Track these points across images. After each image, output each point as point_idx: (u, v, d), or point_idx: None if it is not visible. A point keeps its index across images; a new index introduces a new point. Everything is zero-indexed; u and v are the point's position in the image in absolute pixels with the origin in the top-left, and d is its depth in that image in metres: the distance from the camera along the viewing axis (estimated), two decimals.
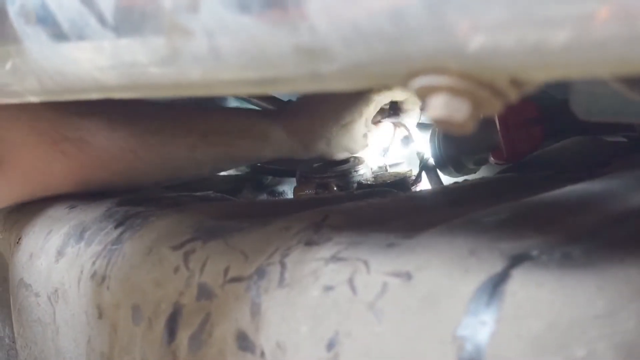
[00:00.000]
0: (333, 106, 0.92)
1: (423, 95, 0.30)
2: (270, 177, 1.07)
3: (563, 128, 0.86)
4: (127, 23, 0.38)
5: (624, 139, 0.99)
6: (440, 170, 0.88)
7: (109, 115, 0.80)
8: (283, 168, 1.07)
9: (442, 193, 0.69)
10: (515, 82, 0.28)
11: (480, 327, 0.38)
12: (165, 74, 0.39)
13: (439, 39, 0.27)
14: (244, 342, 0.50)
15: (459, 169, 0.87)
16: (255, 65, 0.34)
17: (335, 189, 0.90)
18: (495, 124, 0.82)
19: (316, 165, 0.95)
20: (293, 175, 0.98)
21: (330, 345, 0.44)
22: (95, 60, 0.41)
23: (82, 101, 0.48)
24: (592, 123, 0.93)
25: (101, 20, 0.38)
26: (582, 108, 0.43)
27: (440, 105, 0.29)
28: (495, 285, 0.39)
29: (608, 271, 0.38)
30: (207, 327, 0.53)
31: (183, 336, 0.54)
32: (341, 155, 0.95)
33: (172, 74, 0.38)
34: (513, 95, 0.29)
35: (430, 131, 0.90)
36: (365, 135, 0.95)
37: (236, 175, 1.08)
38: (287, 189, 1.05)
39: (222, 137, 0.86)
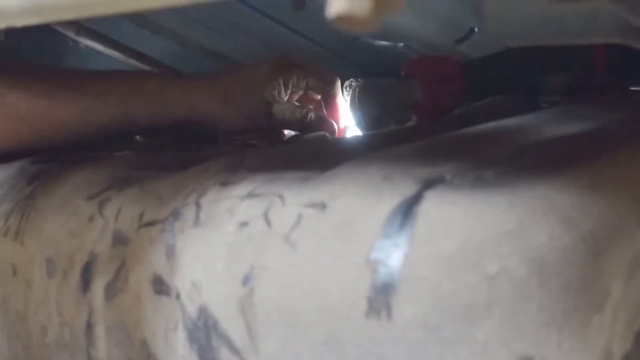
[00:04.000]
0: (237, 66, 0.89)
1: None
2: (194, 140, 1.05)
3: (484, 87, 0.86)
4: None
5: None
6: (361, 130, 0.87)
7: None
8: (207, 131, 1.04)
9: (359, 138, 0.68)
10: None
11: (394, 249, 0.38)
12: None
13: None
14: (159, 285, 0.49)
15: (380, 129, 0.86)
16: None
17: None
18: (416, 81, 0.82)
19: None
20: (217, 138, 0.96)
21: (246, 280, 0.43)
22: None
23: None
24: (513, 84, 0.94)
25: None
26: (494, 33, 0.43)
27: None
28: (409, 207, 0.38)
29: (520, 189, 0.38)
30: (122, 274, 0.52)
31: (98, 285, 0.53)
32: (245, 122, 0.90)
33: None
34: None
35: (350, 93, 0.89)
36: (269, 103, 0.89)
37: (160, 140, 1.06)
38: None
39: (116, 96, 0.82)
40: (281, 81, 0.89)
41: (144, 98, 0.84)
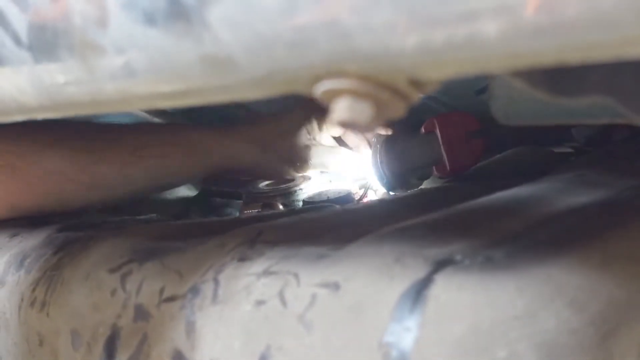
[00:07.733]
0: (272, 116, 0.92)
1: (328, 99, 0.30)
2: (218, 199, 1.07)
3: (505, 140, 0.87)
4: (40, 41, 0.38)
5: (570, 150, 1.00)
6: (384, 186, 0.88)
7: (36, 138, 0.78)
8: (230, 190, 1.06)
9: (377, 205, 0.69)
10: (415, 82, 0.29)
11: (405, 333, 0.38)
12: (81, 92, 0.38)
13: (335, 41, 0.27)
14: None
15: (402, 184, 0.87)
16: (166, 77, 0.34)
17: (280, 207, 0.90)
18: (437, 137, 0.83)
19: (262, 185, 0.95)
20: (240, 197, 0.97)
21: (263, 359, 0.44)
22: (15, 81, 0.41)
23: (7, 125, 0.47)
24: (534, 134, 0.94)
25: (16, 39, 0.38)
26: (501, 113, 0.44)
27: (344, 108, 0.29)
28: (419, 291, 0.39)
29: (528, 272, 0.38)
30: (144, 348, 0.52)
31: (122, 359, 0.54)
32: (284, 167, 0.93)
33: (88, 91, 0.38)
34: (414, 96, 0.30)
35: (371, 149, 0.90)
36: (307, 147, 0.94)
37: (184, 198, 1.08)
38: (235, 211, 1.05)
39: (152, 149, 0.83)
40: (314, 124, 0.94)
41: (182, 151, 0.85)
